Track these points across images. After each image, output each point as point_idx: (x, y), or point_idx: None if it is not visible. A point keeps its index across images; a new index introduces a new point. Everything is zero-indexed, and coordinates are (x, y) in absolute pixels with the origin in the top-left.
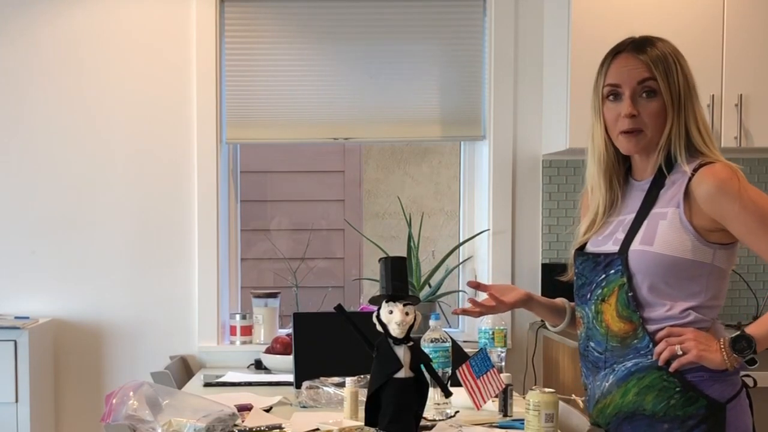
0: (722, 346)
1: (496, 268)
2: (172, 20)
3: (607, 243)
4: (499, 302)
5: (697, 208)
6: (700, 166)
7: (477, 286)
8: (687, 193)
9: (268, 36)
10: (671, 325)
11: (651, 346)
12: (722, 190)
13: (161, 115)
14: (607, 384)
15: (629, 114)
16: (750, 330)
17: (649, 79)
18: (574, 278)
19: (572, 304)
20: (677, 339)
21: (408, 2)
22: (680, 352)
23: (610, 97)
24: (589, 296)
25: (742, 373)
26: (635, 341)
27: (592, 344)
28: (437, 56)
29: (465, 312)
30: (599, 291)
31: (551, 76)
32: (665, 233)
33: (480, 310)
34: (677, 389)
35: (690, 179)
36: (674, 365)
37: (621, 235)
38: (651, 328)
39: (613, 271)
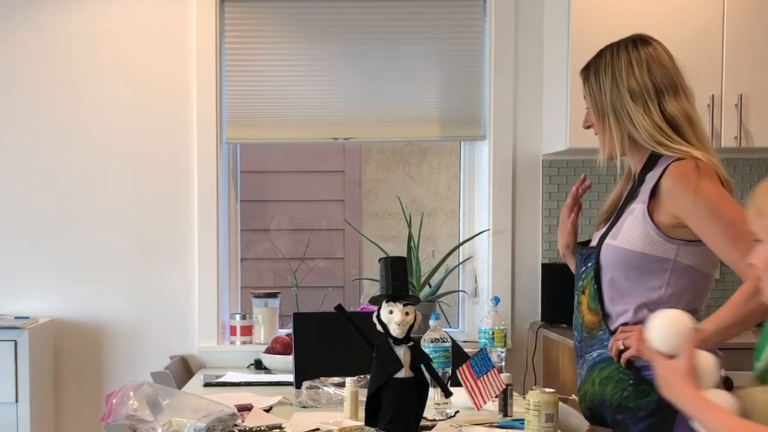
0: None
1: (496, 268)
2: (172, 20)
3: (596, 237)
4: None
5: (663, 203)
6: (672, 162)
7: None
8: (656, 189)
9: (268, 36)
10: (623, 323)
11: (610, 338)
12: (678, 186)
13: (161, 115)
14: (583, 372)
15: (583, 125)
16: (701, 324)
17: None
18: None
19: None
20: (623, 335)
21: (408, 2)
22: (622, 347)
23: None
24: (575, 287)
25: None
26: (600, 332)
27: (575, 333)
28: (437, 56)
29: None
30: (580, 282)
31: (551, 76)
32: (629, 228)
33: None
34: (630, 382)
35: (662, 175)
36: (623, 359)
37: (604, 229)
38: (609, 321)
39: (590, 264)
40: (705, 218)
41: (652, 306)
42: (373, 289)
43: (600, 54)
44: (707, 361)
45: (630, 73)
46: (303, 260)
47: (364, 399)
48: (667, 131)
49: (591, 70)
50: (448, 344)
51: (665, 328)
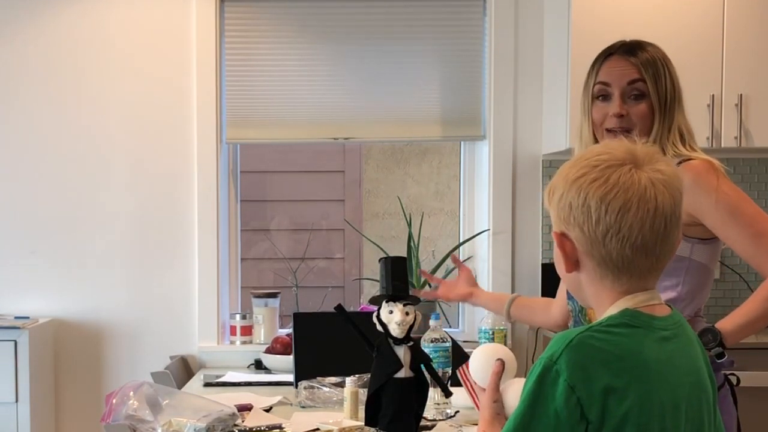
0: None
1: (496, 268)
2: (172, 20)
3: None
4: (446, 298)
5: None
6: (681, 163)
7: (430, 278)
8: None
9: (268, 36)
10: None
11: None
12: (698, 184)
13: (161, 115)
14: None
15: (618, 113)
16: (719, 324)
17: (639, 80)
18: None
19: (517, 297)
20: None
21: (408, 2)
22: None
23: (600, 97)
24: None
25: (726, 371)
26: None
27: None
28: (437, 56)
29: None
30: None
31: (551, 75)
32: None
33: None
34: None
35: None
36: None
37: None
38: None
39: None
40: (727, 216)
41: (671, 305)
42: (373, 289)
43: (642, 46)
44: (517, 390)
45: (675, 72)
46: (303, 260)
47: (364, 399)
48: (685, 137)
49: (645, 58)
50: (448, 344)
51: (477, 364)
